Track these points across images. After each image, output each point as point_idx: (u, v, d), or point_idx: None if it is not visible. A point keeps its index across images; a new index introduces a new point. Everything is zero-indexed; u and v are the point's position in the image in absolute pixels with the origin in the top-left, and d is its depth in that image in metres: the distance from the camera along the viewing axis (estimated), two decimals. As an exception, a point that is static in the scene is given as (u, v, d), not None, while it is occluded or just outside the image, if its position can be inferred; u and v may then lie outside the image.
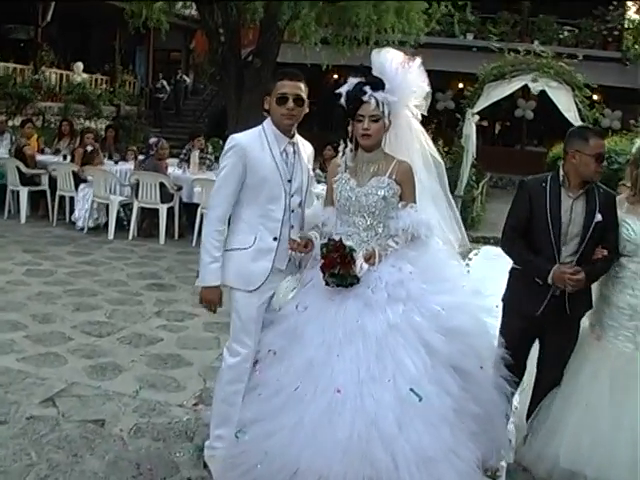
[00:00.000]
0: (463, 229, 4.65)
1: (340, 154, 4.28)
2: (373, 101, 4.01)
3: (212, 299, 4.25)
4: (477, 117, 14.95)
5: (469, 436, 3.80)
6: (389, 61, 4.14)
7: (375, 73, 4.13)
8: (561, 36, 27.68)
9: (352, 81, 4.12)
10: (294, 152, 4.32)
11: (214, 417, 4.48)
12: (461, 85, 25.01)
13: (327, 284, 3.93)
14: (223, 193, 4.22)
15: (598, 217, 4.44)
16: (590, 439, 4.43)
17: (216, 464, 4.37)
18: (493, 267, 4.77)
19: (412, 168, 4.16)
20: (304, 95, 4.22)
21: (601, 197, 4.52)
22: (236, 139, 4.25)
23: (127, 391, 5.53)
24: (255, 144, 4.22)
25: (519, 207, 4.66)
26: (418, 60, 4.21)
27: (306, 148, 4.46)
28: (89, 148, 12.47)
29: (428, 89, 4.28)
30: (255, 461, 3.79)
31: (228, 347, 4.40)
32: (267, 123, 4.30)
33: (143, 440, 4.78)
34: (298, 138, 4.40)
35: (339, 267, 3.86)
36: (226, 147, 4.27)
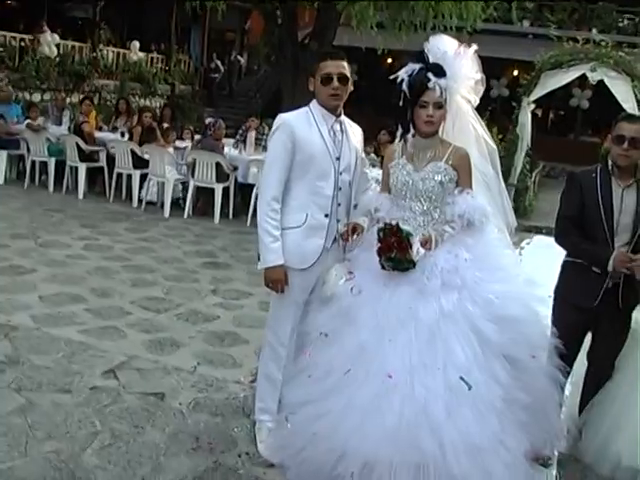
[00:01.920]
0: (513, 215, 4.68)
1: (397, 140, 4.34)
2: (438, 88, 4.04)
3: (278, 279, 4.29)
4: (533, 106, 14.82)
5: (518, 426, 3.81)
6: (448, 47, 4.18)
7: (433, 59, 4.14)
8: (620, 24, 27.22)
9: (413, 66, 4.14)
10: (341, 130, 4.37)
11: (257, 391, 4.66)
12: (516, 72, 24.76)
13: (383, 267, 3.97)
14: (275, 172, 4.28)
15: None
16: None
17: (262, 435, 4.51)
18: (545, 256, 4.78)
19: (468, 154, 4.21)
20: (348, 73, 4.28)
21: None
22: (283, 118, 4.32)
23: (185, 366, 5.66)
24: (302, 122, 4.29)
25: (571, 198, 4.66)
26: (473, 47, 4.23)
27: (355, 130, 4.52)
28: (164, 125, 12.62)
29: (481, 76, 4.29)
30: (304, 442, 3.86)
31: (268, 325, 4.56)
32: (313, 104, 4.37)
33: (202, 415, 4.90)
34: (345, 119, 4.45)
35: (396, 251, 3.89)
36: (274, 126, 4.34)
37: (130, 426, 4.64)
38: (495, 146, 4.53)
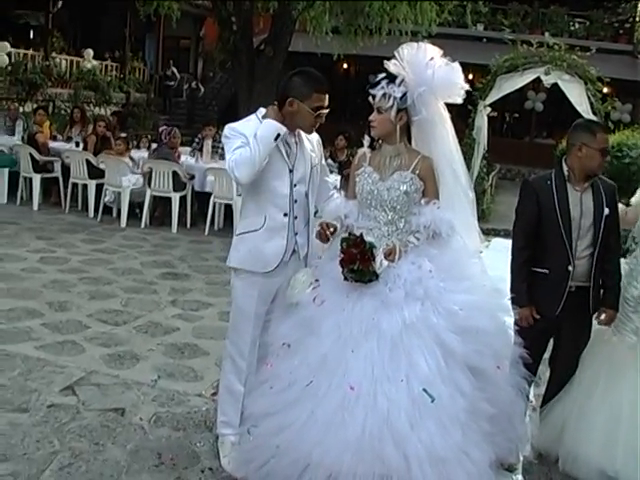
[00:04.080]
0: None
1: (365, 147, 4.31)
2: (380, 92, 4.06)
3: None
4: (489, 109, 14.93)
5: (482, 437, 3.81)
6: (422, 53, 4.12)
7: (402, 64, 4.10)
8: (572, 28, 27.66)
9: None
10: (295, 143, 4.33)
11: (219, 405, 4.59)
12: (471, 76, 24.92)
13: (346, 279, 3.95)
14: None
15: (606, 211, 4.50)
16: (576, 418, 4.58)
17: (225, 450, 4.44)
18: (504, 259, 4.77)
19: (434, 165, 4.17)
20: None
21: (606, 190, 4.57)
22: (233, 127, 4.21)
23: (145, 380, 5.57)
24: (254, 131, 4.18)
25: (527, 207, 4.66)
26: (450, 60, 4.16)
27: (311, 138, 4.47)
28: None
29: (457, 84, 4.18)
30: (267, 455, 3.83)
31: (228, 337, 4.51)
32: (263, 114, 4.27)
33: (163, 429, 4.82)
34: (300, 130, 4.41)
35: (358, 263, 3.86)
36: (226, 132, 4.21)
37: (90, 444, 4.53)
38: (461, 162, 4.49)
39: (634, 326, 4.61)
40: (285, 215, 4.27)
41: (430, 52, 4.13)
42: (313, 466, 3.65)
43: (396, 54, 4.16)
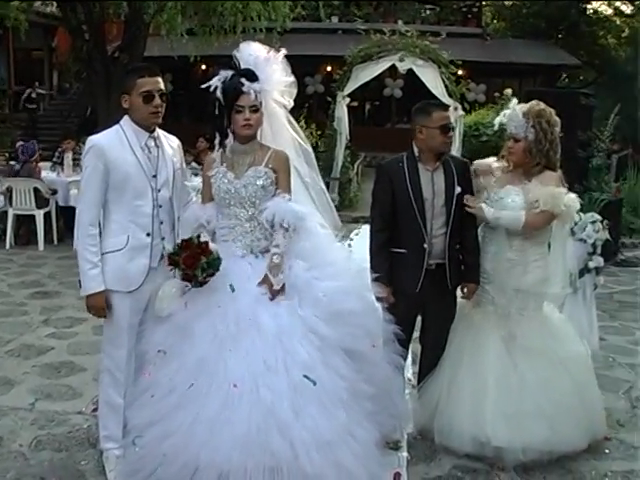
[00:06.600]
0: (335, 212, 4.77)
1: (216, 148, 4.31)
2: (252, 92, 4.07)
3: (98, 306, 4.21)
4: (348, 99, 15.17)
5: (365, 416, 3.93)
6: (258, 53, 4.21)
7: (244, 65, 4.18)
8: (423, 15, 28.42)
9: (225, 73, 4.16)
10: (156, 146, 4.29)
11: (100, 419, 4.51)
12: (329, 68, 25.25)
13: (202, 282, 3.94)
14: (89, 196, 4.16)
15: (458, 189, 4.64)
16: (447, 391, 4.76)
17: (111, 464, 4.38)
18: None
19: (288, 157, 4.25)
20: (164, 89, 4.25)
21: (457, 167, 4.72)
22: (93, 140, 4.19)
23: (22, 404, 5.40)
24: (114, 142, 4.18)
25: (381, 190, 4.78)
26: (282, 52, 4.29)
27: (171, 142, 4.45)
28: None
29: (292, 79, 4.34)
30: (155, 464, 3.80)
31: (103, 350, 4.45)
32: (125, 121, 4.26)
33: (45, 453, 4.69)
34: (160, 132, 4.38)
35: (203, 257, 3.87)
36: (85, 150, 4.22)
37: (-33, 478, 4.38)
38: (310, 148, 4.60)
39: (490, 296, 4.81)
40: (148, 235, 4.24)
41: (265, 50, 4.25)
42: (202, 468, 3.66)
43: (237, 55, 4.22)
